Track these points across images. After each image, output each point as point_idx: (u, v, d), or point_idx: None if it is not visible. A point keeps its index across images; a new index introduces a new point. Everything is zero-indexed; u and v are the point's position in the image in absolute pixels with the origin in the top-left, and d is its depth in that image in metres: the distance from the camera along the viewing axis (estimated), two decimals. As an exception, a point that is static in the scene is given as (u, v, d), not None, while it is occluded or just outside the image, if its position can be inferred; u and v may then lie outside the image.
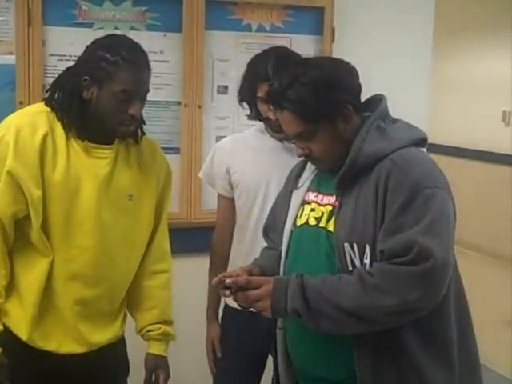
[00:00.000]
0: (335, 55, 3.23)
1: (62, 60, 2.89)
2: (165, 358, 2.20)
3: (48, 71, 2.90)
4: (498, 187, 6.82)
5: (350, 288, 1.65)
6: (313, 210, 1.85)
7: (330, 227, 1.77)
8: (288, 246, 1.91)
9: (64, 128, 1.95)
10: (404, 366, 1.71)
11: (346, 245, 1.71)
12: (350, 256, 1.71)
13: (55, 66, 2.89)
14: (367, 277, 1.64)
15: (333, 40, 3.26)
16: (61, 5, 2.93)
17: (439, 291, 1.64)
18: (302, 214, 1.88)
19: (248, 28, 3.21)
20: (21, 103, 2.81)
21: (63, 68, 2.04)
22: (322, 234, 1.79)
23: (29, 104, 2.81)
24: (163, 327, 2.18)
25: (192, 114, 3.11)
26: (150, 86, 3.00)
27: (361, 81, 1.83)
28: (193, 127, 3.11)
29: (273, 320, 1.92)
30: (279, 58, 2.28)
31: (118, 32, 2.96)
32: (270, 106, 2.24)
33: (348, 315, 1.64)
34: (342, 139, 1.78)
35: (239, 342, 2.50)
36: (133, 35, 2.95)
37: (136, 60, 1.93)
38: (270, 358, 2.50)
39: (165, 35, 3.10)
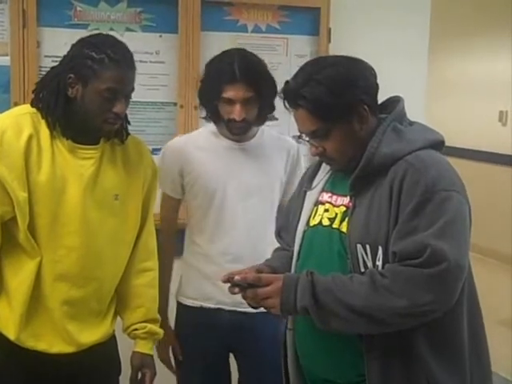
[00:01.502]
0: (331, 55, 3.22)
1: (57, 61, 2.85)
2: (151, 356, 2.20)
3: (43, 72, 2.85)
4: (496, 187, 6.81)
5: (360, 288, 1.64)
6: (326, 210, 1.84)
7: (344, 228, 1.76)
8: (300, 246, 1.90)
9: (49, 127, 1.95)
10: (414, 370, 1.70)
11: (359, 246, 1.71)
12: (363, 257, 1.71)
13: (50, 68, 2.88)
14: (379, 277, 1.63)
15: (329, 40, 3.25)
16: (56, 6, 2.93)
17: (452, 294, 1.63)
18: (315, 215, 1.87)
19: (244, 29, 3.20)
20: (16, 104, 2.80)
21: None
22: (335, 234, 1.78)
23: (24, 105, 2.81)
24: (149, 326, 2.18)
25: (188, 115, 3.10)
26: (146, 87, 3.05)
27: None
28: (189, 128, 3.09)
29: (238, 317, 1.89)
30: (244, 59, 2.29)
31: (113, 33, 2.95)
32: (238, 106, 2.25)
33: (358, 315, 1.63)
34: (357, 139, 1.77)
35: (197, 341, 2.48)
36: (128, 36, 2.98)
37: (122, 58, 1.93)
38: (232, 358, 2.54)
39: (160, 36, 3.09)
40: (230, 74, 2.25)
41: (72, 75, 1.92)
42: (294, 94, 1.77)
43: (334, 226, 1.79)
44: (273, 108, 2.41)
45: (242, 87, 2.25)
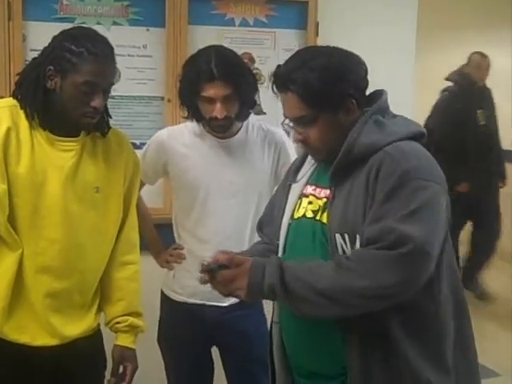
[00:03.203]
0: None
1: (43, 55, 2.86)
2: (133, 350, 2.18)
3: (29, 66, 2.87)
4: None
5: (325, 270, 1.66)
6: (310, 202, 1.84)
7: (324, 219, 1.77)
8: (285, 239, 1.90)
9: (27, 117, 1.94)
10: (394, 361, 1.69)
11: (338, 235, 1.71)
12: (342, 247, 1.71)
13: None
14: (344, 260, 1.65)
15: (317, 34, 3.25)
16: (42, -1, 2.91)
17: (416, 278, 1.62)
18: (299, 207, 1.87)
19: (231, 22, 3.19)
20: (1, 98, 2.77)
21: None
22: (318, 226, 1.79)
23: (9, 100, 2.80)
24: (130, 319, 2.17)
25: (175, 109, 3.09)
26: (133, 81, 3.03)
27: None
28: (176, 122, 3.08)
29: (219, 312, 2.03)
30: (221, 57, 2.29)
31: (100, 27, 2.94)
32: (218, 104, 2.25)
33: (321, 296, 1.63)
34: (341, 130, 1.77)
35: (181, 334, 2.52)
36: (115, 30, 2.97)
37: (101, 52, 1.92)
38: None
39: (147, 30, 3.08)
40: (208, 73, 2.25)
41: (51, 67, 1.92)
42: (285, 78, 1.77)
43: (317, 218, 1.80)
44: (254, 103, 2.42)
45: (220, 85, 2.25)
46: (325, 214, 1.77)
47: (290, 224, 1.89)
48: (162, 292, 2.59)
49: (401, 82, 3.44)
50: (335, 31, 3.25)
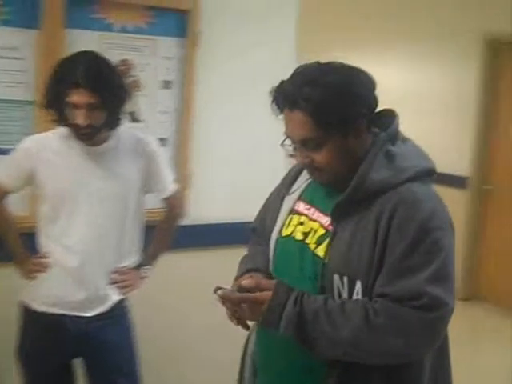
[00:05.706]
0: (199, 59, 3.18)
1: None
2: None
3: None
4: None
5: (352, 322, 1.57)
6: (302, 223, 1.75)
7: (320, 252, 1.67)
8: (274, 255, 1.83)
9: None
10: None
11: (336, 276, 1.63)
12: (338, 288, 1.63)
13: None
14: (372, 315, 1.56)
15: (197, 44, 3.21)
16: None
17: (440, 338, 1.63)
18: (289, 224, 1.78)
19: (110, 28, 3.10)
20: None
21: None
22: (308, 255, 1.70)
23: None
24: None
25: (45, 114, 2.95)
26: (2, 84, 2.87)
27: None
28: (46, 129, 2.90)
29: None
30: (89, 64, 2.24)
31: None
32: (81, 111, 2.19)
33: (342, 351, 1.59)
34: (349, 154, 1.66)
35: (42, 346, 2.44)
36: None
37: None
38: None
39: (20, 31, 2.92)
40: (73, 79, 2.19)
41: None
42: (295, 94, 1.60)
43: (307, 241, 1.71)
44: (122, 113, 2.36)
45: (84, 93, 2.20)
46: (321, 247, 1.68)
47: (277, 239, 1.81)
48: (22, 303, 2.47)
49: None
50: (217, 42, 3.23)
